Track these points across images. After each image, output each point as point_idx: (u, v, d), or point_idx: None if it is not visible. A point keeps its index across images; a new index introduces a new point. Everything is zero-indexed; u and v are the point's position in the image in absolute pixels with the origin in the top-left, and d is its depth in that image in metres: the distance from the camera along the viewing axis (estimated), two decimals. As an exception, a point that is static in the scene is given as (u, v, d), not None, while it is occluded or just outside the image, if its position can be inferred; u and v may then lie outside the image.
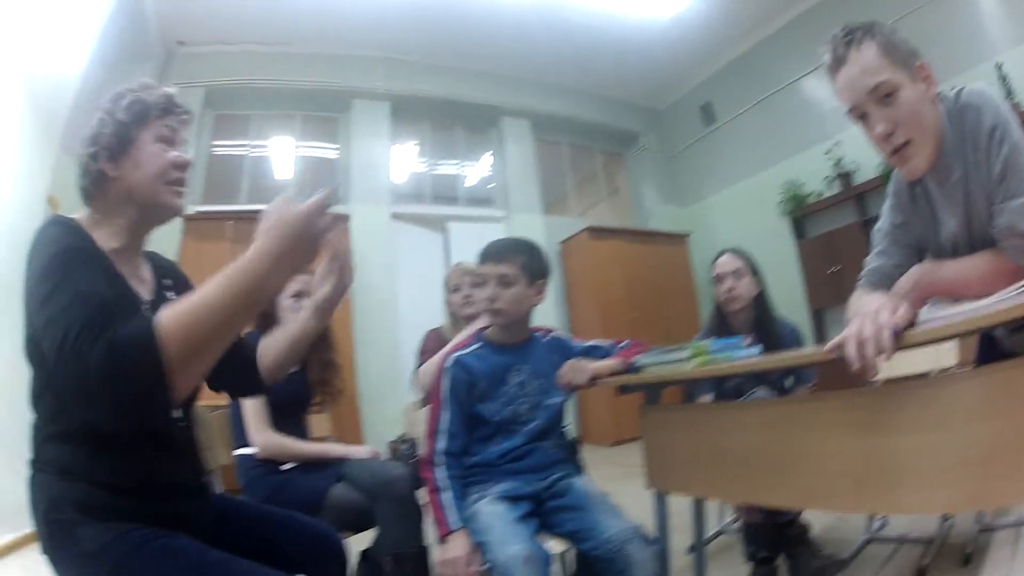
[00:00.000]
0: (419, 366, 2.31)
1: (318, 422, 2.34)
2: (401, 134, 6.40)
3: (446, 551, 1.42)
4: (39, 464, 1.00)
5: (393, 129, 6.24)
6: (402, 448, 2.28)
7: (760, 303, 2.33)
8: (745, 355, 1.50)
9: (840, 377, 1.25)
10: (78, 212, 1.10)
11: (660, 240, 6.45)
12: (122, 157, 1.07)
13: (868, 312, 1.02)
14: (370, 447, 2.08)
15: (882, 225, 1.42)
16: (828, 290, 5.17)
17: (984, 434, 0.95)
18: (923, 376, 1.62)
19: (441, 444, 1.58)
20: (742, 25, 6.02)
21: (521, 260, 1.64)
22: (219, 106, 5.85)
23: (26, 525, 0.90)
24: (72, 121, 3.49)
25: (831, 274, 5.11)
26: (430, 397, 1.70)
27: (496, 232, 6.08)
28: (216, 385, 1.27)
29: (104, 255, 1.02)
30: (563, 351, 1.72)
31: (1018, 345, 1.25)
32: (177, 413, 1.11)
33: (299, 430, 2.07)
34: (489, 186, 6.75)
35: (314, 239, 0.89)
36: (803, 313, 5.33)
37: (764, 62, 6.16)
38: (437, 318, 2.62)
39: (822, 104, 5.53)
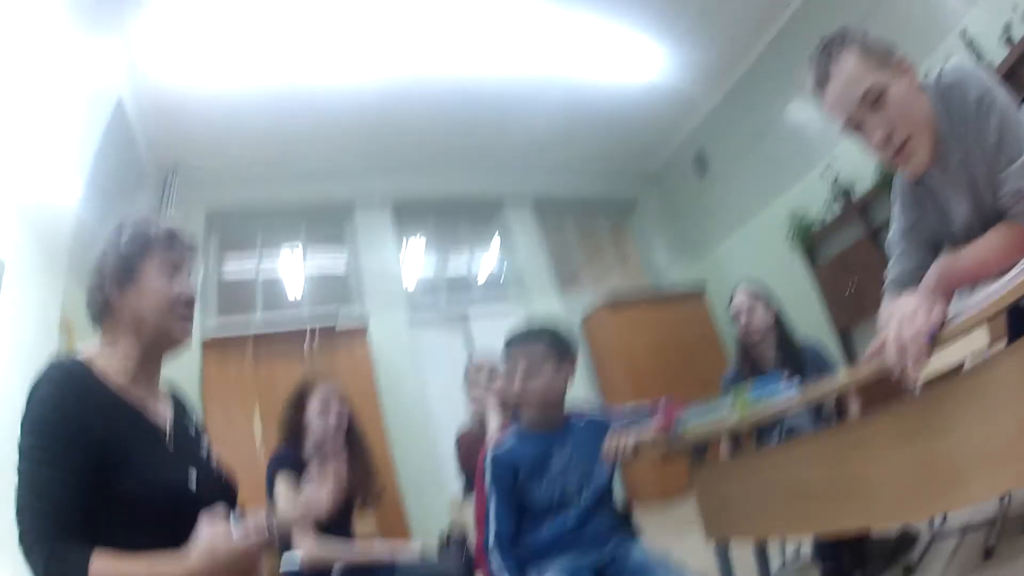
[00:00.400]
0: (461, 470, 2.37)
1: (363, 525, 2.37)
2: (407, 235, 6.46)
3: None
4: None
5: (398, 232, 6.31)
6: (453, 543, 2.27)
7: (779, 329, 2.41)
8: (784, 393, 1.49)
9: (879, 391, 1.25)
10: (89, 344, 1.13)
11: (678, 301, 6.43)
12: (127, 286, 1.11)
13: (904, 315, 1.02)
14: (419, 547, 2.08)
15: (894, 231, 1.41)
16: (850, 309, 5.13)
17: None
18: (958, 366, 1.61)
19: (492, 529, 1.54)
20: (717, 70, 6.04)
21: (544, 344, 1.62)
22: (222, 227, 5.91)
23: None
24: (75, 248, 3.50)
25: (850, 294, 5.07)
26: (477, 491, 1.69)
27: (516, 320, 5.95)
28: None
29: (104, 401, 1.02)
30: (602, 429, 1.67)
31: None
32: None
33: (344, 533, 2.05)
34: (502, 276, 6.76)
35: (246, 571, 0.95)
36: (829, 336, 5.25)
37: (746, 99, 6.15)
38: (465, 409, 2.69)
39: (807, 128, 5.56)
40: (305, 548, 1.88)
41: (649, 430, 1.60)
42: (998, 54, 3.92)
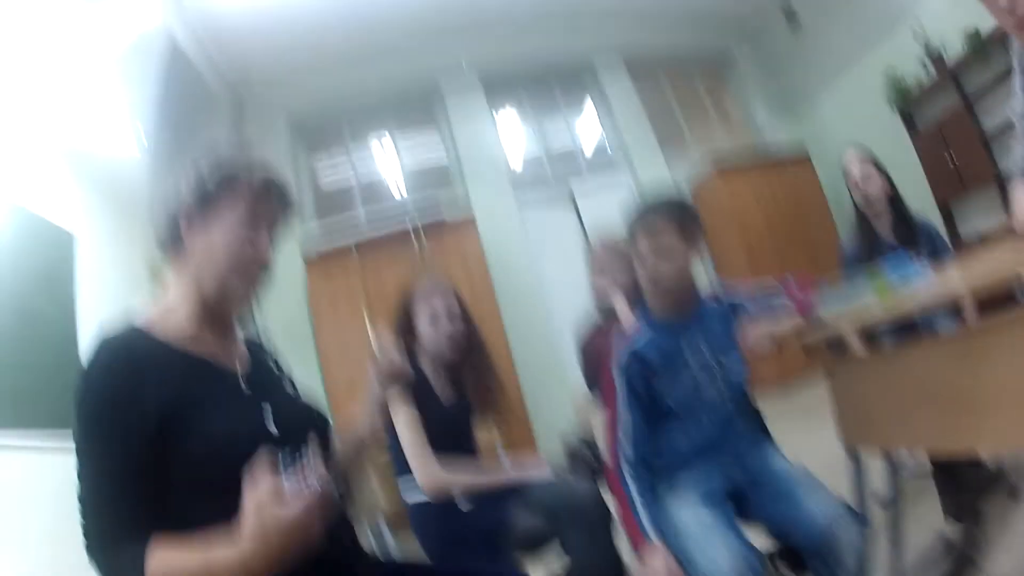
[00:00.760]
0: (583, 368, 2.09)
1: (482, 430, 2.14)
2: (500, 110, 6.18)
3: (646, 569, 1.29)
4: None
5: (490, 108, 6.03)
6: (582, 452, 2.03)
7: (894, 199, 2.31)
8: (918, 273, 1.39)
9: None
10: (152, 300, 1.04)
11: (786, 165, 6.04)
12: (198, 225, 1.00)
13: None
14: (548, 466, 1.89)
15: (1017, 106, 1.27)
16: (953, 180, 4.77)
17: None
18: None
19: (627, 451, 1.43)
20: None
21: (672, 219, 1.45)
22: (307, 133, 5.85)
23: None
24: (153, 195, 3.54)
25: (951, 167, 4.73)
26: (606, 398, 1.52)
27: (624, 191, 5.78)
28: None
29: (163, 362, 0.93)
30: (735, 310, 1.55)
31: None
32: None
33: (466, 449, 1.91)
34: (604, 143, 6.39)
35: (306, 539, 0.78)
36: (931, 209, 4.88)
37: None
38: (584, 293, 2.22)
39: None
40: (426, 474, 1.75)
41: (787, 316, 1.47)
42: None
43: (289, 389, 1.14)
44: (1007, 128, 3.62)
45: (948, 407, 1.23)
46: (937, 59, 4.80)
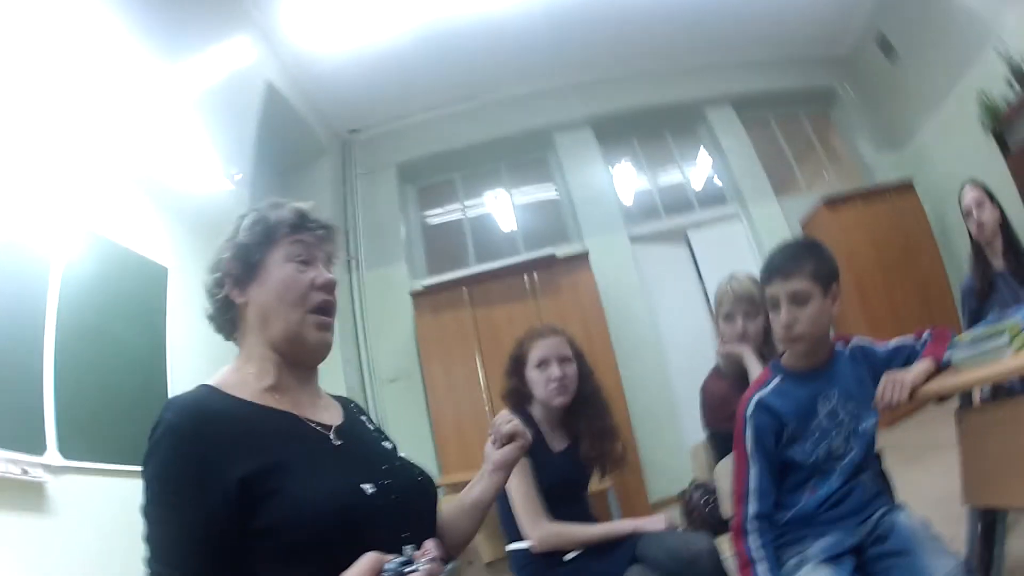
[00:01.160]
0: (706, 421, 1.98)
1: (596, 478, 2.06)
2: (612, 155, 6.25)
3: None
4: None
5: (604, 153, 6.09)
6: (695, 498, 1.95)
7: (1006, 228, 2.39)
8: None
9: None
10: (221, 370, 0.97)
11: (891, 194, 5.81)
12: (249, 282, 0.96)
13: None
14: (664, 516, 1.77)
15: None
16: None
17: None
18: None
19: (752, 507, 1.39)
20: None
21: (811, 268, 1.40)
22: (416, 179, 6.05)
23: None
24: None
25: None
26: (734, 449, 1.47)
27: (737, 231, 5.83)
28: None
29: (239, 415, 0.86)
30: (868, 359, 1.49)
31: None
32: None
33: (579, 510, 1.84)
34: (717, 183, 6.39)
35: None
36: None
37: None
38: (699, 332, 2.23)
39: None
40: (535, 528, 1.68)
41: (923, 370, 1.37)
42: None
43: (387, 445, 1.04)
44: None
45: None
46: (1021, 76, 4.61)
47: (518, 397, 1.92)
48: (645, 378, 5.03)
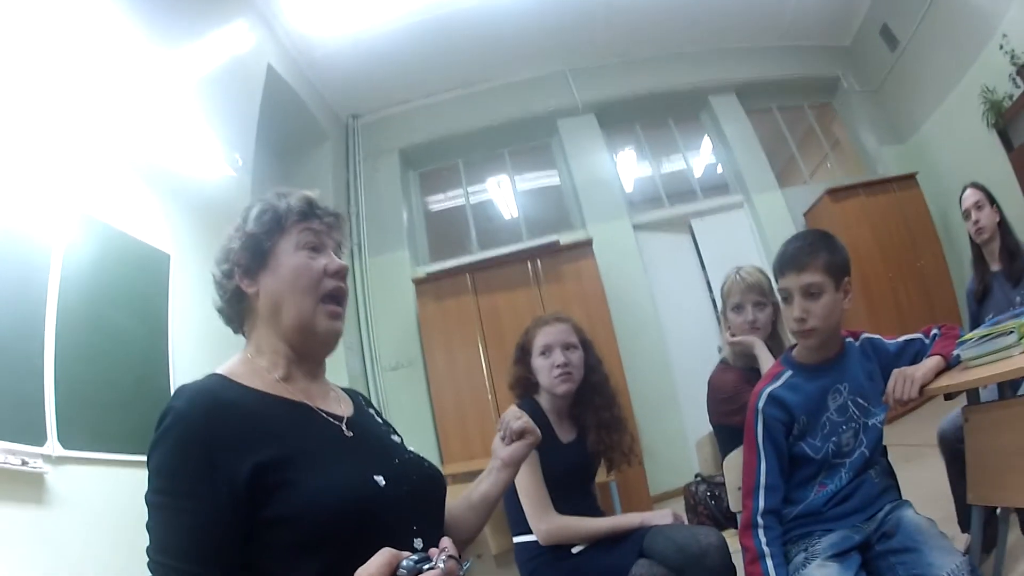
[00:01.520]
0: (713, 414, 1.92)
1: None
2: (616, 142, 6.21)
3: None
4: None
5: (607, 139, 6.05)
6: (700, 492, 1.94)
7: (1003, 230, 2.42)
8: None
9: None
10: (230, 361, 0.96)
11: (894, 186, 5.81)
12: (259, 271, 0.95)
13: None
14: (670, 510, 1.73)
15: None
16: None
17: None
18: None
19: (761, 503, 1.38)
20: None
21: (823, 261, 1.39)
22: (419, 164, 6.03)
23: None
24: None
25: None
26: (743, 442, 1.47)
27: (740, 219, 5.83)
28: None
29: (248, 405, 0.85)
30: (878, 354, 1.50)
31: None
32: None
33: (587, 502, 1.82)
34: (719, 171, 6.37)
35: None
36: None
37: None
38: (701, 321, 2.20)
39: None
40: (542, 521, 1.67)
41: (933, 367, 1.38)
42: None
43: (396, 439, 1.04)
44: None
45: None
46: (1024, 70, 4.57)
47: (525, 386, 1.89)
48: (647, 366, 5.04)
